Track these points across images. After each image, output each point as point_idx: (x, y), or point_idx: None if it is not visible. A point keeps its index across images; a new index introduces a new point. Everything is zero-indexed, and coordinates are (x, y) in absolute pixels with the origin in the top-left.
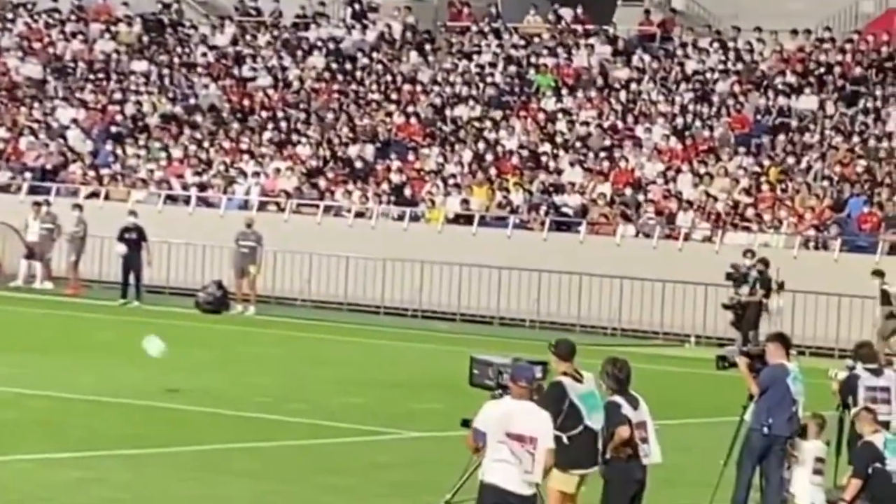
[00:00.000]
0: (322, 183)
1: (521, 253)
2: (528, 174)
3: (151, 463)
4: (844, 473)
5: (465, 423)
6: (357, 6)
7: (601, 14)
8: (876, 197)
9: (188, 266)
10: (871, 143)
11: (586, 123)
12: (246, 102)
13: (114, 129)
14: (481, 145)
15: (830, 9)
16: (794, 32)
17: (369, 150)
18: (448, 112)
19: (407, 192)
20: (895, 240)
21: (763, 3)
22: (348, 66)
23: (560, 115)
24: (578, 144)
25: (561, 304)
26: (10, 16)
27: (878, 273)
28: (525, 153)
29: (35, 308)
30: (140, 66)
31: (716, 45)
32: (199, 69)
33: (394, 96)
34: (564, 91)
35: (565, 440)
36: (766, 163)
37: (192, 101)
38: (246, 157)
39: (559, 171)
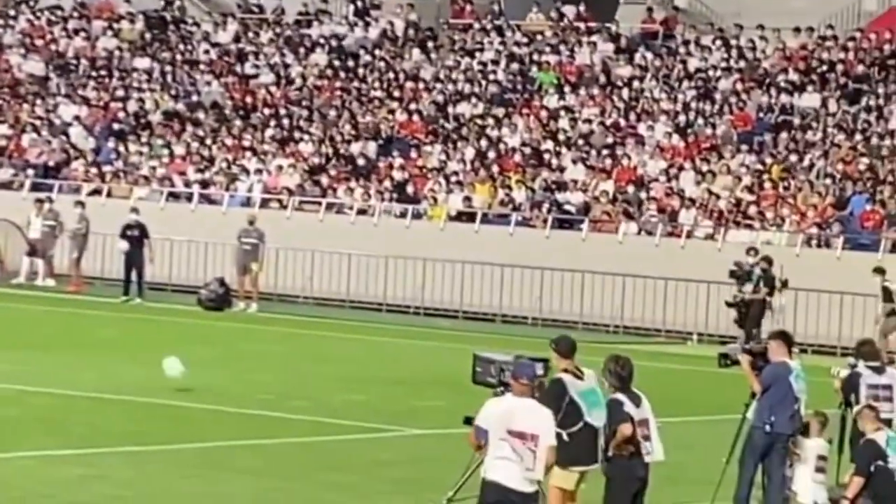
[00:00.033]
0: (324, 180)
1: (524, 250)
2: (531, 172)
3: (153, 460)
4: (846, 471)
5: (468, 421)
6: (359, 3)
7: (604, 11)
8: (878, 195)
9: (190, 263)
10: (874, 140)
11: (589, 121)
12: (248, 99)
13: (116, 126)
14: (484, 143)
15: (833, 6)
16: (797, 30)
17: (372, 148)
18: (450, 109)
19: (409, 189)
20: None
21: (766, 0)
22: (351, 63)
23: (562, 113)
24: (581, 142)
25: (563, 301)
26: (12, 13)
27: (879, 270)
28: (527, 151)
29: (37, 305)
30: (143, 63)
31: (718, 42)
32: (202, 66)
33: (396, 93)
34: (567, 88)
35: (565, 437)
36: (769, 160)
37: (194, 98)
38: (248, 154)
39: (562, 169)
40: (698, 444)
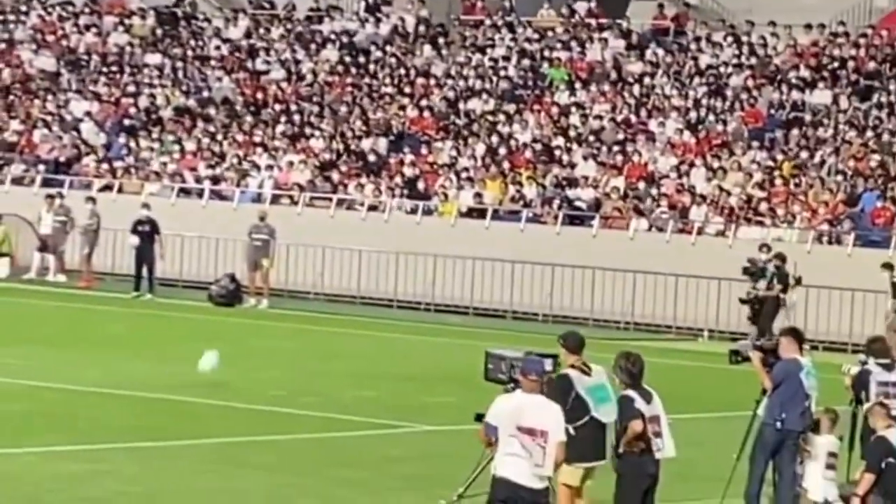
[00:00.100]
0: (335, 176)
1: (534, 247)
2: (542, 168)
3: (162, 456)
4: (857, 468)
5: (479, 418)
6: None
7: (615, 8)
8: (889, 191)
9: (201, 259)
10: (885, 137)
11: (600, 117)
12: (259, 95)
13: (127, 121)
14: (494, 139)
15: (844, 3)
16: (808, 27)
17: (382, 144)
18: (461, 105)
19: (420, 185)
20: None
21: None
22: (362, 59)
23: (573, 109)
24: (592, 138)
25: (574, 297)
26: (23, 8)
27: (888, 266)
28: (538, 147)
29: (48, 300)
30: (153, 59)
31: (729, 39)
32: (213, 62)
33: (407, 90)
34: (578, 85)
35: (571, 431)
36: (780, 157)
37: (205, 94)
38: (259, 150)
39: (572, 165)
40: (709, 440)
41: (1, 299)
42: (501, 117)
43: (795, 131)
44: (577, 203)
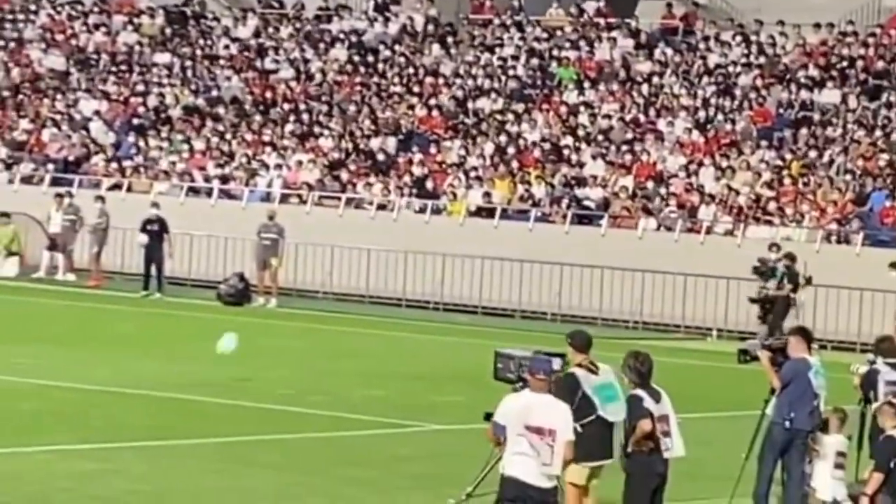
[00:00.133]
0: (344, 175)
1: (543, 246)
2: (550, 167)
3: (172, 455)
4: (866, 468)
5: (488, 417)
6: None
7: (623, 7)
8: None
9: (210, 258)
10: (894, 136)
11: (608, 116)
12: (268, 95)
13: (136, 121)
14: (503, 138)
15: (853, 2)
16: (817, 26)
17: (391, 143)
18: (470, 105)
19: (429, 184)
20: None
21: None
22: (370, 58)
23: (582, 109)
24: (600, 137)
25: (582, 297)
26: (33, 7)
27: (895, 266)
28: (547, 146)
29: (57, 299)
30: (163, 58)
31: (738, 38)
32: (222, 61)
33: (416, 89)
34: (587, 84)
35: (578, 430)
36: (789, 156)
37: (214, 93)
38: (268, 149)
39: (581, 165)
40: (717, 440)
41: (10, 298)
42: (510, 116)
43: (804, 131)
44: (586, 202)
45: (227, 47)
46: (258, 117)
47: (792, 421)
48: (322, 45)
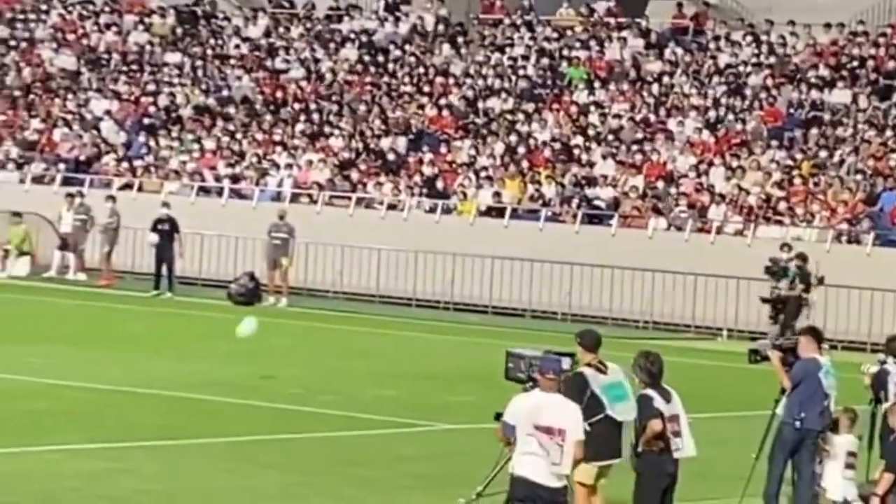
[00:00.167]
0: (354, 175)
1: (553, 246)
2: (561, 167)
3: (182, 454)
4: (876, 468)
5: (499, 417)
6: None
7: (634, 7)
8: None
9: (220, 258)
10: None
11: (619, 116)
12: (279, 94)
13: (147, 120)
14: (513, 138)
15: (864, 2)
16: (828, 26)
17: (401, 143)
18: (480, 104)
19: (439, 184)
20: None
21: None
22: (381, 58)
23: (592, 108)
24: (611, 137)
25: (593, 296)
26: (44, 7)
27: None
28: (557, 146)
29: (68, 299)
30: (173, 57)
31: (749, 38)
32: (233, 61)
33: (426, 89)
34: (597, 84)
35: (587, 429)
36: (799, 156)
37: (225, 92)
38: (278, 148)
39: (591, 164)
40: (728, 440)
41: (22, 298)
42: (520, 116)
43: (815, 130)
44: (596, 202)
45: (237, 47)
46: (269, 117)
47: (802, 421)
48: (332, 45)
